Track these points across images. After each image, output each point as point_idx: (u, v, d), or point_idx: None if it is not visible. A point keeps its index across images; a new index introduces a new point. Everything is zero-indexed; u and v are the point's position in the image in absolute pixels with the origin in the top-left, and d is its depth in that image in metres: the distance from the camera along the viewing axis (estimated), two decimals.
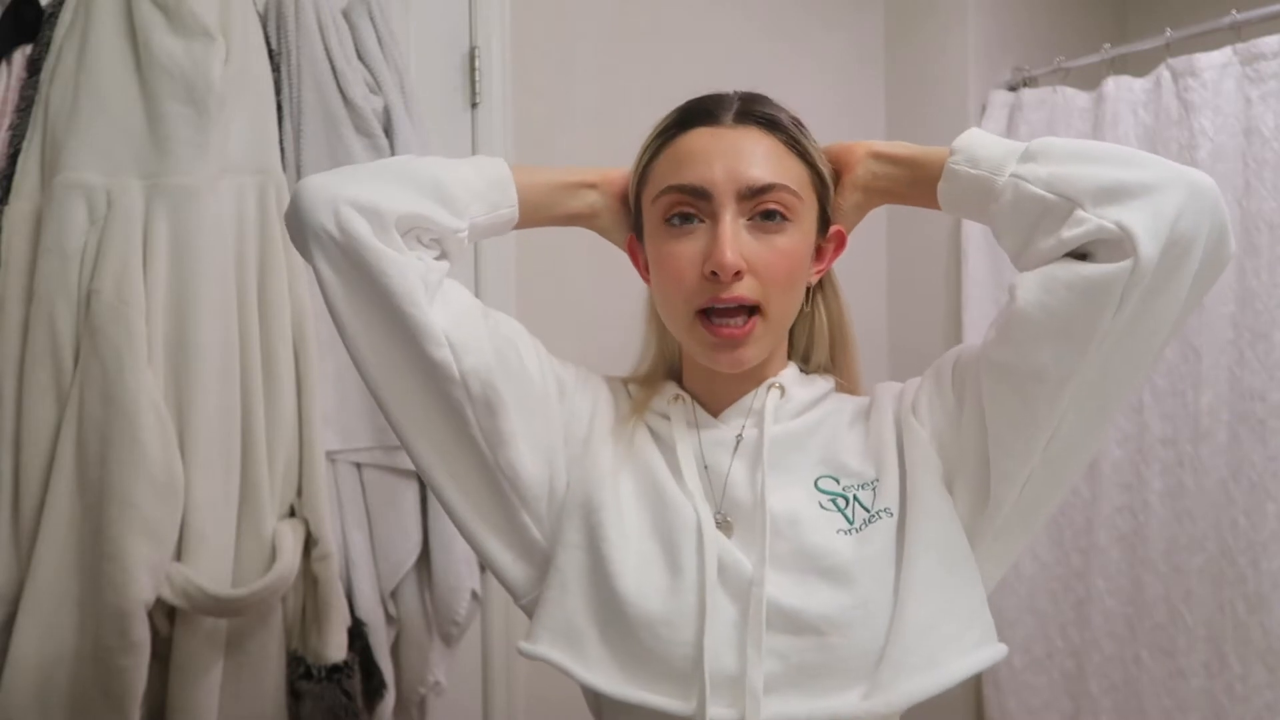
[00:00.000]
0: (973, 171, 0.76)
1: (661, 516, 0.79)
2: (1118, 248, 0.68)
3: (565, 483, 0.82)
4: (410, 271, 0.76)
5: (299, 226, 0.77)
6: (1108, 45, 1.93)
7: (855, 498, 0.78)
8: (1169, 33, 1.81)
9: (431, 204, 0.78)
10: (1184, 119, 1.76)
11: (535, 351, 0.84)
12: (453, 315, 0.78)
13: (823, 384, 0.87)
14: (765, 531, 0.75)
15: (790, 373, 0.86)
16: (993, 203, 0.75)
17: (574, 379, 0.87)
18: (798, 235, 0.79)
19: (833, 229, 0.85)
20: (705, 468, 0.82)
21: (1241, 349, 1.69)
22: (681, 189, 0.78)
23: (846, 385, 0.89)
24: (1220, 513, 1.70)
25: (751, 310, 0.77)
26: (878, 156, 0.84)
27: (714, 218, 0.77)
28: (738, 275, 0.75)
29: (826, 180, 0.83)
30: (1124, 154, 0.72)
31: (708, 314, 0.78)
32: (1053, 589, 1.95)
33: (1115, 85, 1.88)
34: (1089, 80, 1.97)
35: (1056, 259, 0.71)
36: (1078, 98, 1.96)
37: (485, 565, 0.84)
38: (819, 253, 0.84)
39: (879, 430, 0.81)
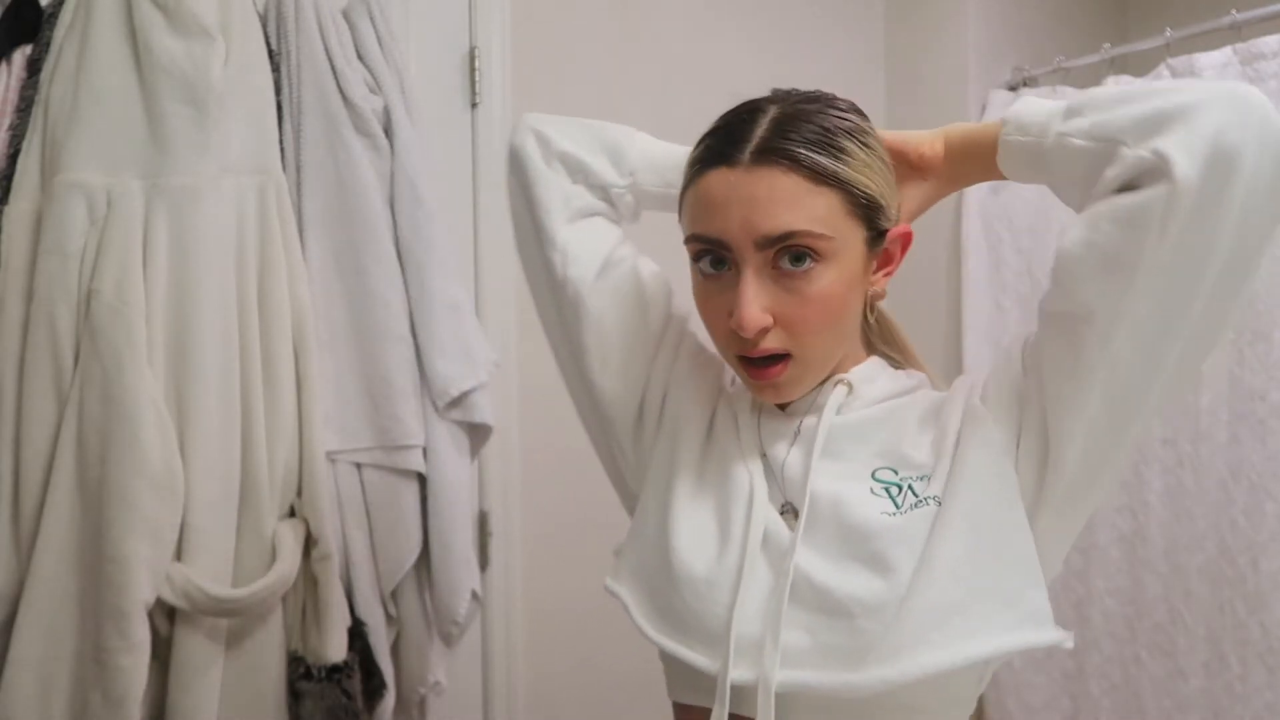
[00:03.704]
0: (1022, 139, 0.75)
1: (723, 488, 0.82)
2: (1156, 174, 0.66)
3: (654, 431, 0.90)
4: (554, 188, 0.91)
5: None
6: (1108, 45, 1.93)
7: (910, 487, 0.77)
8: (1169, 33, 1.81)
9: (598, 155, 0.92)
10: None
11: (667, 308, 0.93)
12: (579, 234, 0.91)
13: (905, 380, 0.85)
14: (805, 508, 0.76)
15: (865, 369, 0.84)
16: (1045, 165, 0.74)
17: (694, 348, 0.94)
18: (831, 273, 0.76)
19: (895, 232, 0.81)
20: (764, 455, 0.83)
21: (1241, 349, 1.69)
22: (703, 239, 0.78)
23: (934, 379, 0.89)
24: (1220, 513, 1.70)
25: (783, 355, 0.78)
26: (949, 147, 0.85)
27: (737, 268, 0.77)
28: (763, 331, 0.76)
29: (873, 194, 0.78)
30: (1168, 85, 0.69)
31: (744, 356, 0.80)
32: (1052, 589, 1.94)
33: (1115, 85, 1.87)
34: (1089, 80, 1.97)
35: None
36: None
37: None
38: (886, 257, 0.82)
39: (946, 423, 0.78)
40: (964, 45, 2.09)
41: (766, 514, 0.78)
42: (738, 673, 0.73)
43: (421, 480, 1.46)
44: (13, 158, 1.24)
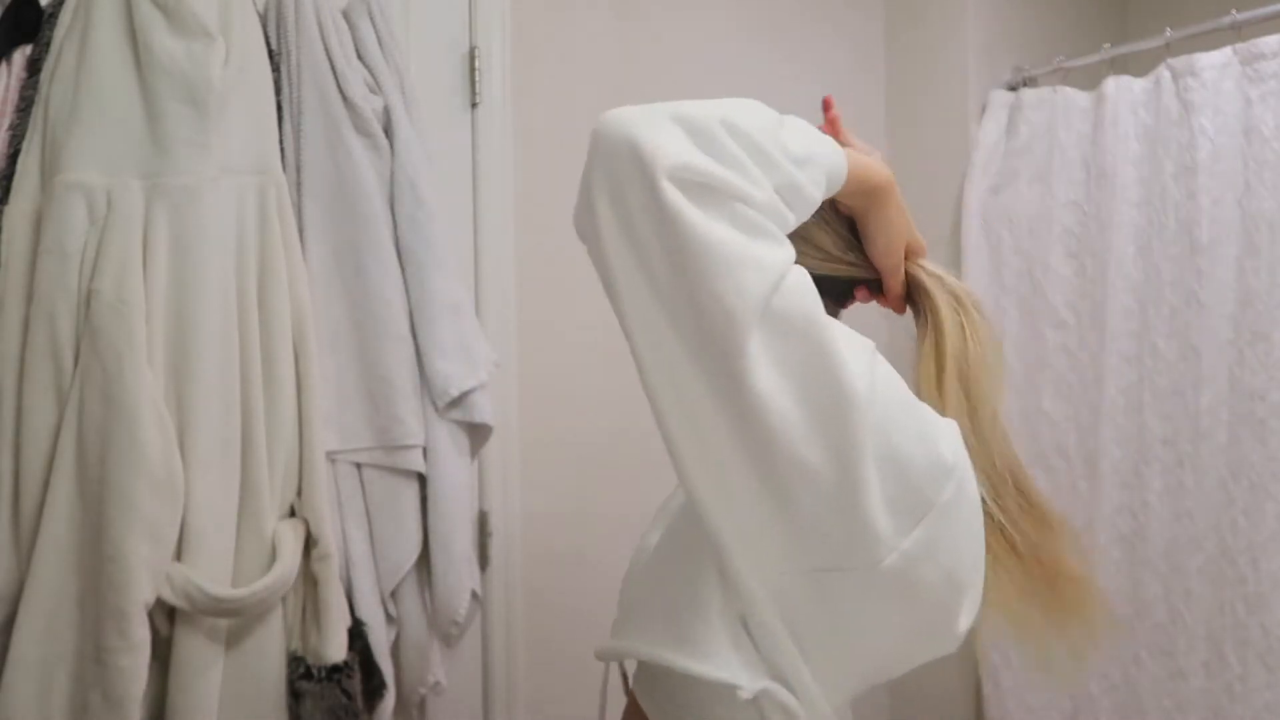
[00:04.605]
0: None
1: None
2: None
3: None
4: None
5: None
6: (1108, 45, 1.93)
7: None
8: (1169, 33, 1.81)
9: None
10: (1184, 119, 1.76)
11: None
12: None
13: None
14: (675, 501, 0.85)
15: None
16: None
17: None
18: None
19: None
20: None
21: (1241, 349, 1.69)
22: None
23: None
24: (1220, 513, 1.70)
25: None
26: None
27: None
28: None
29: None
30: None
31: None
32: None
33: (1115, 85, 1.88)
34: (1089, 80, 1.97)
35: None
36: (1078, 98, 1.96)
37: None
38: None
39: None
40: (964, 45, 2.09)
41: (676, 500, 0.86)
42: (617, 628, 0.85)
43: (421, 480, 1.46)
44: (13, 158, 1.24)
